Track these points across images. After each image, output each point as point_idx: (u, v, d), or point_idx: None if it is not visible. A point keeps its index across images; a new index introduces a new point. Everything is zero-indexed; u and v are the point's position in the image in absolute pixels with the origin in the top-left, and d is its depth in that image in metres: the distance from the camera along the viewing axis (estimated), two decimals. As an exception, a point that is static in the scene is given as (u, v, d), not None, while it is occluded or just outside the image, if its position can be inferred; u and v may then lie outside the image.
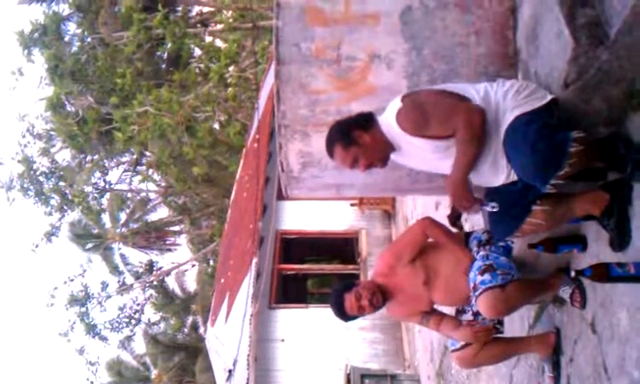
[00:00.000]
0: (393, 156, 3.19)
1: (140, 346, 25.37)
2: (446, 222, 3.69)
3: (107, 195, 23.93)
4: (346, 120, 3.19)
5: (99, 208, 23.64)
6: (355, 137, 3.09)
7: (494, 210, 3.06)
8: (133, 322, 24.96)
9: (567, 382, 3.56)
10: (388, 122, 3.08)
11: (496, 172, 3.00)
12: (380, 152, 3.14)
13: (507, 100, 2.92)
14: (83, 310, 23.58)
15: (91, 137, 20.10)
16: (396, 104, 3.06)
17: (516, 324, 4.31)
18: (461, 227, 3.51)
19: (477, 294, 3.29)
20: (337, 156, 3.17)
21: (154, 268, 25.62)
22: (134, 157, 22.97)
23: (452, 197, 3.07)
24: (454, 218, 3.54)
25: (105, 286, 24.15)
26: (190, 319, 25.61)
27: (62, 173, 22.40)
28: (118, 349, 25.19)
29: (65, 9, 21.31)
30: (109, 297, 24.23)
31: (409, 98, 3.05)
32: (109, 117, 19.14)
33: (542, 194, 2.90)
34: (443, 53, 3.41)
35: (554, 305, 3.73)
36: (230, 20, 19.40)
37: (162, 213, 25.84)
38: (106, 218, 24.13)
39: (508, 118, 2.88)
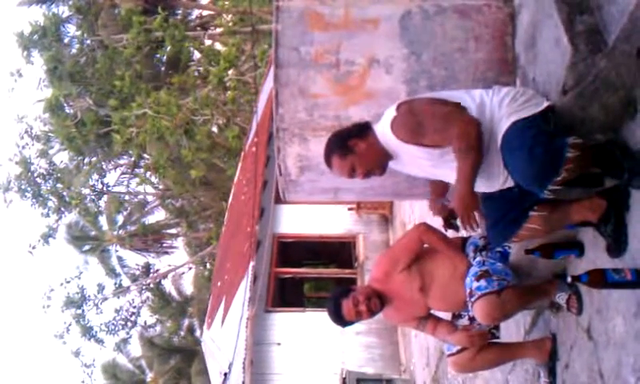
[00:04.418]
0: (390, 164, 3.20)
1: (136, 348, 25.31)
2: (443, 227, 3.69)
3: (105, 197, 23.89)
4: (342, 130, 3.23)
5: (97, 210, 23.58)
6: (351, 145, 3.10)
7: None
8: (129, 324, 24.88)
9: (563, 387, 3.57)
10: (383, 130, 3.09)
11: (492, 177, 3.00)
12: (377, 159, 3.15)
13: (503, 107, 2.93)
14: (79, 312, 23.52)
15: (89, 139, 20.07)
16: (391, 113, 3.08)
17: (512, 329, 4.31)
18: (456, 227, 3.49)
19: (473, 299, 3.31)
20: (335, 166, 3.19)
21: (151, 271, 25.57)
22: (132, 159, 22.89)
23: (459, 211, 3.02)
24: (448, 218, 3.53)
25: (101, 288, 24.09)
26: (186, 322, 25.52)
27: (59, 175, 22.32)
28: (113, 351, 25.12)
29: (64, 11, 21.32)
30: (105, 299, 24.16)
31: (404, 107, 3.06)
32: (107, 119, 19.12)
33: (539, 199, 2.91)
34: (442, 58, 3.43)
35: (551, 310, 3.73)
36: (230, 23, 19.42)
37: (159, 215, 25.82)
38: (103, 220, 24.07)
39: (504, 125, 2.88)
